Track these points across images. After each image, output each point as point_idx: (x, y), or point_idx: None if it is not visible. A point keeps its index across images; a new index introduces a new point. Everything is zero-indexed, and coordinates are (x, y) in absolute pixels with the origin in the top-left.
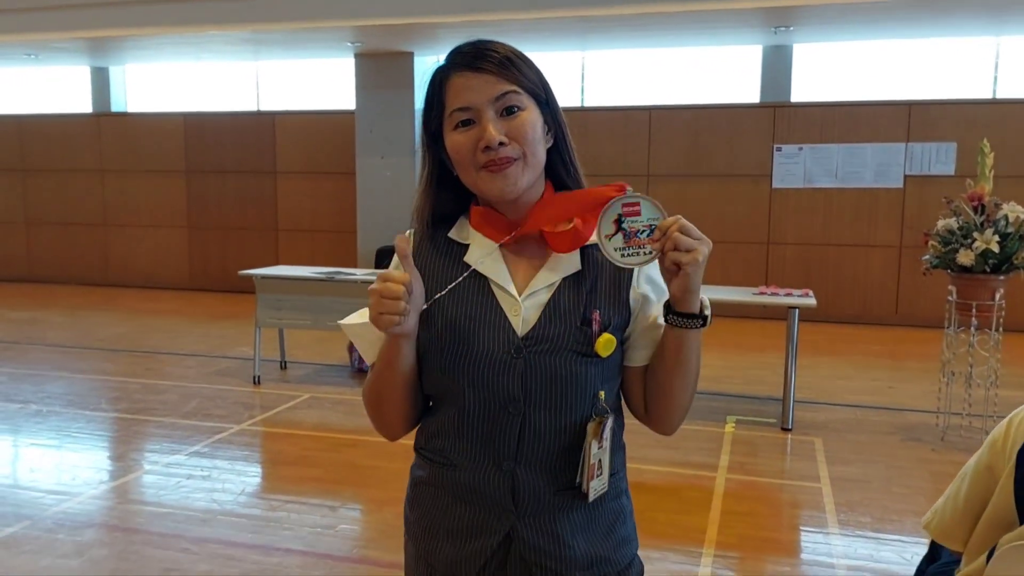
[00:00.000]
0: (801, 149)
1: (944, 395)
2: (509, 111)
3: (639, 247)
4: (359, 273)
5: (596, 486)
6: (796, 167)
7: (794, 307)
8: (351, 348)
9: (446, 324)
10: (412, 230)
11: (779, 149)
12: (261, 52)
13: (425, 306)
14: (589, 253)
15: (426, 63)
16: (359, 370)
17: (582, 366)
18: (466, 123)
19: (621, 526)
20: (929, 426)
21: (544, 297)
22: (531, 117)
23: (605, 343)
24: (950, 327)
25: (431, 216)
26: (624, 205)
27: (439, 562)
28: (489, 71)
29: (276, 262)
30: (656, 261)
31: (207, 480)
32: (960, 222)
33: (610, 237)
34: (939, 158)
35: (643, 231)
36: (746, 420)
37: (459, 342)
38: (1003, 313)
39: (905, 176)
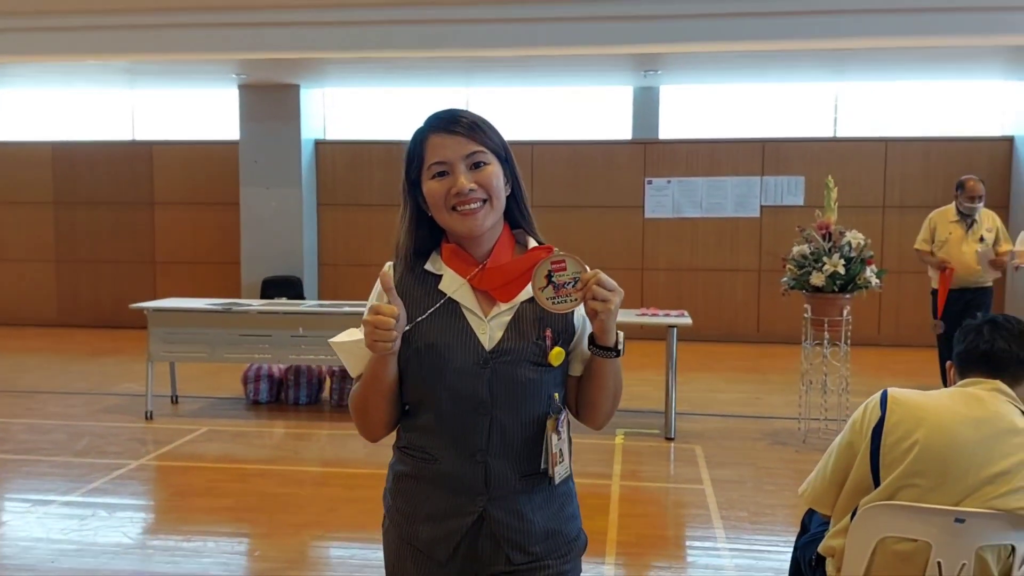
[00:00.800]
0: (670, 182)
1: (803, 403)
2: (477, 165)
3: (566, 296)
4: (256, 304)
5: (560, 471)
6: (666, 198)
7: (673, 326)
8: (245, 380)
9: (425, 342)
10: (391, 263)
11: (650, 182)
12: (138, 81)
13: (407, 327)
14: None
15: (312, 95)
16: (254, 402)
17: (538, 374)
18: (441, 174)
19: (569, 504)
20: (792, 431)
21: (506, 318)
22: (495, 170)
23: (556, 355)
24: (806, 341)
25: (412, 252)
26: (553, 263)
27: (420, 542)
28: (461, 134)
29: (154, 295)
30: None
31: (112, 516)
32: (811, 248)
33: (543, 289)
34: (790, 190)
35: (569, 283)
36: (633, 432)
37: (437, 356)
38: (850, 328)
39: (761, 206)
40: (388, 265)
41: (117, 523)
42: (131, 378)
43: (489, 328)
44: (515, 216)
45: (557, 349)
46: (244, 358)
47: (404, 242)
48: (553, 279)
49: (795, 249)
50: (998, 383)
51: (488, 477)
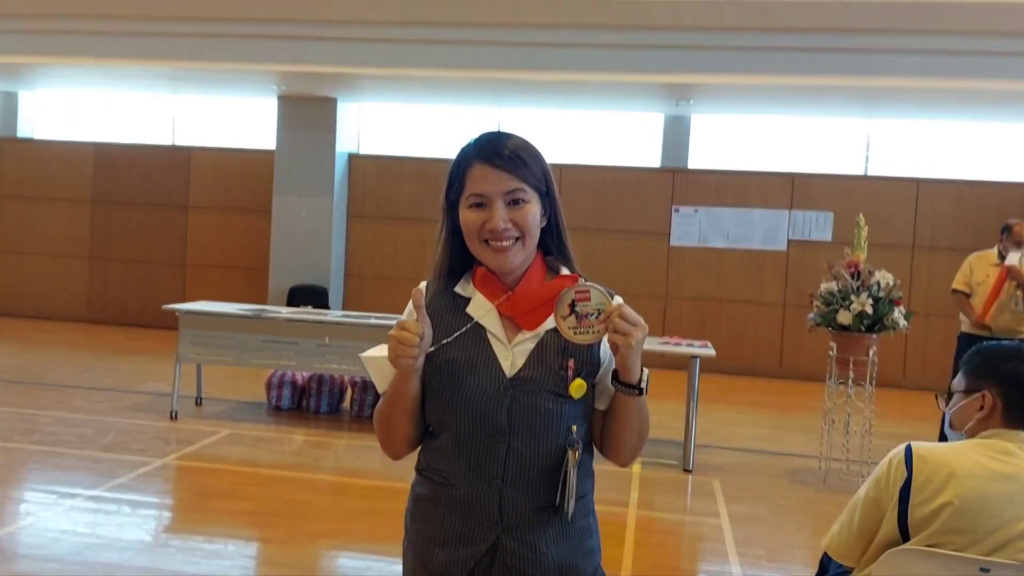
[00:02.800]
0: (697, 211)
1: (825, 442)
2: (515, 202)
3: (589, 327)
4: (284, 312)
5: (575, 506)
6: (692, 227)
7: (695, 356)
8: (268, 386)
9: (448, 364)
10: (427, 282)
11: (677, 210)
12: (180, 87)
13: (432, 349)
14: None
15: (348, 109)
16: (276, 408)
17: (557, 404)
18: (479, 205)
19: (588, 540)
20: (812, 470)
21: (530, 346)
22: (533, 209)
23: (577, 387)
24: (831, 380)
25: (447, 269)
26: (577, 292)
27: (435, 565)
28: (503, 168)
29: (183, 297)
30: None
31: (136, 513)
32: (840, 286)
33: (565, 318)
34: (818, 225)
35: (592, 314)
36: (651, 462)
37: (458, 379)
38: (876, 368)
39: (788, 240)
40: (423, 284)
41: (140, 520)
42: (157, 377)
43: (512, 355)
44: (549, 245)
45: (579, 381)
46: (269, 364)
47: (440, 259)
48: (576, 309)
49: (823, 286)
50: (1021, 433)
51: (503, 505)
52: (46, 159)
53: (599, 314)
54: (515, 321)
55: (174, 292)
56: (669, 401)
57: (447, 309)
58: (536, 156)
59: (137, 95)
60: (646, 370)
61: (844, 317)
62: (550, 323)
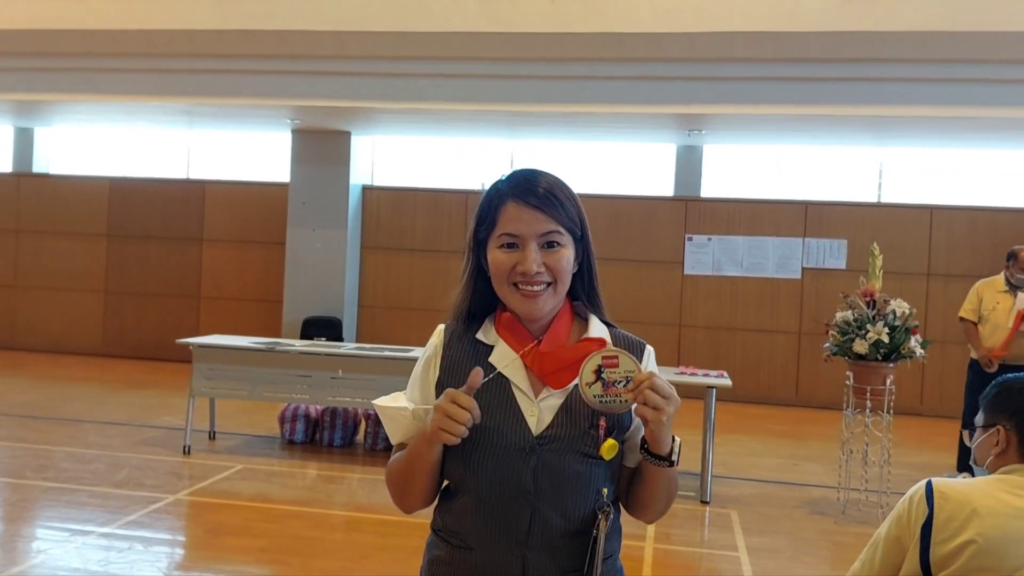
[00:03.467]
0: (710, 240)
1: (843, 472)
2: (550, 244)
3: (615, 396)
4: (298, 344)
5: (604, 571)
6: (706, 256)
7: (712, 387)
8: (282, 419)
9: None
10: (444, 325)
11: (690, 239)
12: (196, 122)
13: (425, 407)
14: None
15: (362, 142)
16: (289, 442)
17: (587, 466)
18: (511, 246)
19: None
20: (831, 500)
21: (557, 401)
22: (567, 253)
23: (609, 448)
24: (848, 409)
25: (468, 311)
26: (604, 357)
27: None
28: (538, 208)
29: (197, 329)
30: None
31: (148, 550)
32: (855, 315)
33: (590, 385)
34: (832, 253)
35: (620, 381)
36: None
37: (481, 436)
38: (893, 397)
39: (803, 268)
40: (440, 327)
41: (153, 558)
42: (170, 411)
43: (539, 410)
44: (578, 293)
45: (610, 441)
46: (283, 397)
47: (461, 299)
48: (603, 375)
49: (838, 315)
50: None
51: (526, 572)
52: (62, 194)
53: (627, 382)
54: (541, 377)
55: (188, 325)
56: (685, 431)
57: (467, 357)
58: (572, 197)
59: (152, 130)
60: (678, 439)
61: (860, 346)
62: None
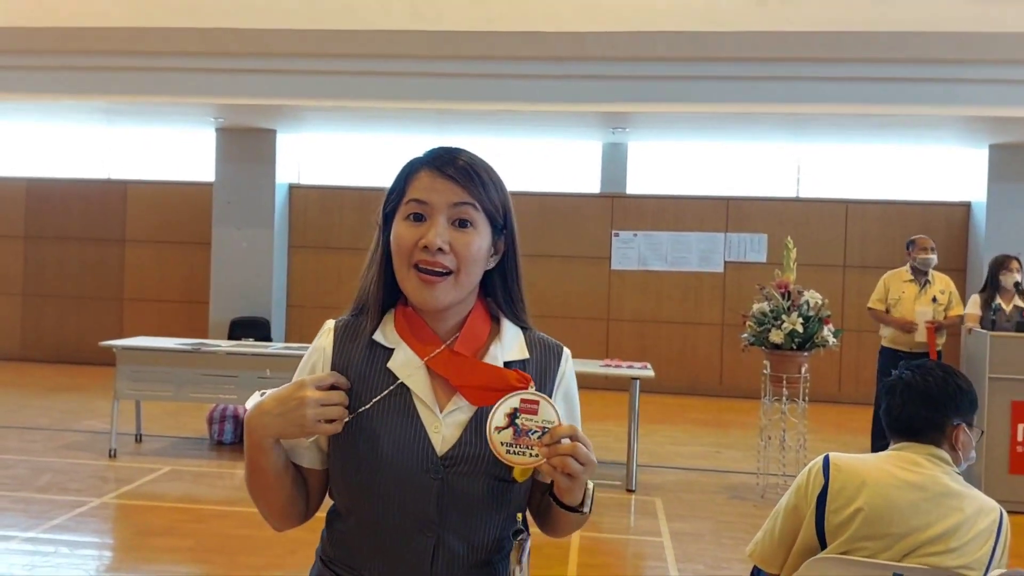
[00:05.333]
0: (636, 235)
1: (762, 458)
2: (461, 224)
3: (527, 447)
4: (225, 345)
5: None
6: (632, 251)
7: (635, 378)
8: (210, 420)
9: (365, 438)
10: (334, 321)
11: (617, 235)
12: (116, 120)
13: (348, 418)
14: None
15: (287, 140)
16: (218, 442)
17: (499, 490)
18: (418, 217)
19: None
20: (750, 485)
21: (465, 416)
22: (477, 238)
23: (523, 470)
24: (765, 397)
25: (380, 302)
26: (523, 401)
27: None
28: (455, 179)
29: (120, 331)
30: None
31: (74, 554)
32: (771, 306)
33: (499, 430)
34: (753, 247)
35: (535, 432)
36: (594, 483)
37: (376, 457)
38: (808, 385)
39: (725, 262)
40: (329, 323)
41: (79, 560)
42: (94, 415)
43: (443, 426)
44: (497, 295)
45: None
46: (210, 398)
47: (367, 289)
48: (517, 421)
49: (755, 307)
50: (931, 447)
51: None
52: None
53: (543, 432)
54: (449, 382)
55: (111, 328)
56: (611, 422)
57: (363, 363)
58: (496, 181)
59: (71, 129)
60: (591, 485)
61: (776, 336)
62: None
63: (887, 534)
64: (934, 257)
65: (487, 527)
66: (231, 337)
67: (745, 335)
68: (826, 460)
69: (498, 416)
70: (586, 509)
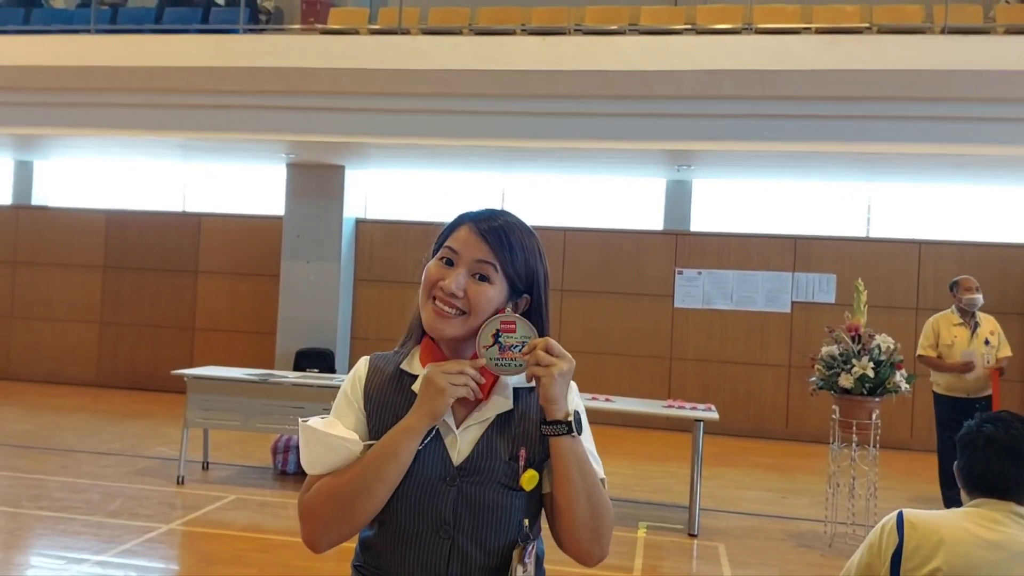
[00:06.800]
0: (700, 273)
1: (830, 505)
2: (481, 277)
3: (511, 359)
4: (291, 376)
5: None
6: (696, 289)
7: (699, 420)
8: (275, 450)
9: None
10: (370, 356)
11: (680, 272)
12: (192, 156)
13: (371, 442)
14: (521, 395)
15: (355, 175)
16: (282, 472)
17: (508, 498)
18: (449, 262)
19: None
20: (818, 533)
21: (477, 432)
22: (491, 293)
23: (529, 478)
24: (834, 443)
25: (420, 331)
26: (502, 323)
27: None
28: (485, 239)
29: (191, 361)
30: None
31: None
32: (840, 349)
33: (487, 348)
34: (821, 287)
35: (516, 346)
36: (655, 526)
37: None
38: (879, 431)
39: (792, 302)
40: (364, 360)
41: None
42: (163, 441)
43: (459, 440)
44: None
45: (530, 472)
46: (276, 428)
47: (413, 322)
48: (500, 340)
49: (824, 349)
50: (1010, 504)
51: None
52: (59, 226)
53: (523, 346)
54: (463, 403)
55: (183, 356)
56: (674, 464)
57: (391, 387)
58: (526, 248)
59: (149, 163)
60: (579, 410)
61: (846, 380)
62: (500, 405)
63: None
64: (980, 297)
65: (497, 533)
66: (296, 368)
67: (813, 379)
68: (900, 517)
69: (484, 336)
70: (572, 420)
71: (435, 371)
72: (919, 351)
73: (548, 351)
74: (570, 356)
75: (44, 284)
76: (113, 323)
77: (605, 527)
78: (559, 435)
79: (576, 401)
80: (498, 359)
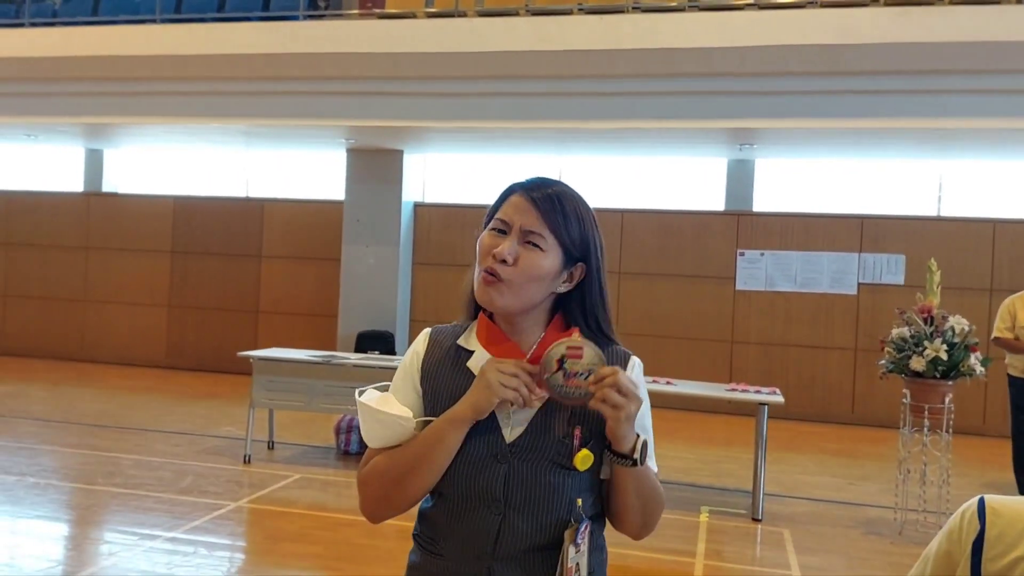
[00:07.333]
0: (763, 255)
1: (900, 492)
2: (531, 244)
3: (576, 387)
4: (353, 358)
5: None
6: (758, 271)
7: (764, 404)
8: (337, 430)
9: None
10: (431, 329)
11: (742, 254)
12: (254, 143)
13: (423, 419)
14: None
15: (413, 160)
16: (345, 452)
17: (560, 477)
18: (501, 232)
19: None
20: (887, 520)
21: (532, 410)
22: (541, 261)
23: (583, 458)
24: (905, 428)
25: (472, 305)
26: (568, 347)
27: None
28: (535, 204)
29: (255, 343)
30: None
31: (212, 555)
32: (912, 331)
33: (551, 373)
34: (889, 269)
35: (582, 374)
36: (718, 510)
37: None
38: (952, 416)
39: (859, 284)
40: (426, 331)
41: (216, 562)
42: (230, 422)
43: (512, 418)
44: (576, 317)
45: (584, 452)
46: (339, 409)
47: (466, 294)
48: (565, 366)
49: (895, 332)
50: None
51: None
52: (129, 212)
53: (590, 375)
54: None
55: (247, 338)
56: (737, 448)
57: (448, 363)
58: (581, 217)
59: (214, 150)
60: (644, 437)
61: (917, 363)
62: None
63: None
64: None
65: (549, 511)
66: (358, 350)
67: (883, 361)
68: (981, 503)
69: (549, 362)
70: (637, 456)
71: (490, 366)
72: (995, 333)
73: (617, 387)
74: (638, 394)
75: (115, 269)
76: (180, 306)
77: (655, 519)
78: (622, 465)
79: (642, 396)
80: (562, 386)
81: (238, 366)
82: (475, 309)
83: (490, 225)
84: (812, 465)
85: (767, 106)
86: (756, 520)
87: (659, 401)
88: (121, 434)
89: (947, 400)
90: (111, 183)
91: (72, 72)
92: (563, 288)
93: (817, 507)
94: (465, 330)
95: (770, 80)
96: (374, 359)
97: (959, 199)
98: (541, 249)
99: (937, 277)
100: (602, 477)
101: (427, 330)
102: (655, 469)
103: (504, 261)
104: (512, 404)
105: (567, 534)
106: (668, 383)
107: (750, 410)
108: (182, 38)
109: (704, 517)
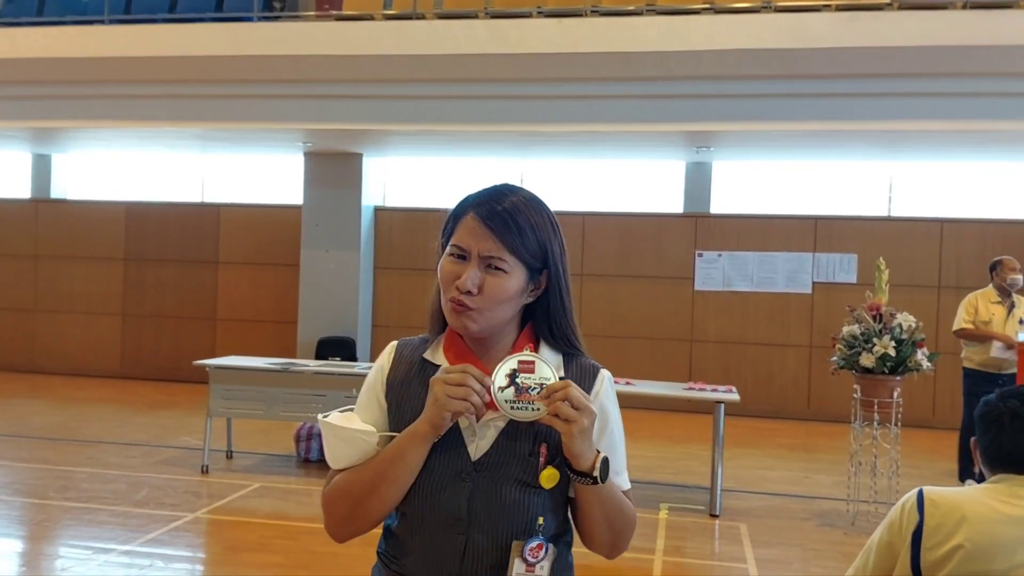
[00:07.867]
0: (720, 255)
1: (852, 484)
2: (492, 268)
3: (528, 402)
4: (312, 365)
5: None
6: (716, 271)
7: (720, 402)
8: (297, 438)
9: None
10: (397, 342)
11: (700, 255)
12: (209, 146)
13: (387, 434)
14: None
15: (373, 163)
16: (305, 460)
17: (525, 495)
18: (461, 257)
19: None
20: (840, 512)
21: (498, 426)
22: (506, 282)
23: (548, 476)
24: (856, 422)
25: (439, 322)
26: (520, 362)
27: None
28: (491, 228)
29: (213, 351)
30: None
31: (168, 567)
32: (862, 328)
33: (503, 389)
34: (842, 267)
35: (534, 388)
36: (677, 507)
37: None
38: (901, 409)
39: (813, 283)
40: (393, 343)
41: (174, 574)
42: (188, 431)
43: (478, 434)
44: (537, 320)
45: (550, 470)
46: (299, 416)
47: (433, 309)
48: (517, 380)
49: (845, 329)
50: None
51: None
52: (80, 219)
53: (541, 389)
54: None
55: (205, 346)
56: (695, 446)
57: (413, 377)
58: (536, 225)
59: (167, 155)
60: (603, 454)
61: (867, 360)
62: None
63: (988, 571)
64: (1020, 278)
65: (513, 530)
66: (318, 356)
67: (835, 358)
68: (920, 495)
69: (499, 377)
70: (596, 474)
71: (437, 379)
72: (958, 325)
73: (570, 401)
74: (591, 408)
75: (66, 277)
76: (135, 315)
77: (625, 539)
78: (581, 483)
79: (609, 407)
80: (513, 402)
81: (196, 375)
82: (442, 323)
83: (448, 251)
84: (769, 460)
85: (723, 109)
86: (714, 516)
87: (621, 401)
88: (74, 447)
89: (896, 394)
90: (60, 189)
91: (17, 74)
92: (530, 299)
93: (773, 501)
94: (432, 344)
95: (726, 83)
96: (333, 366)
97: (909, 199)
98: (504, 271)
99: (885, 275)
100: (570, 495)
101: (393, 343)
102: (625, 487)
103: (469, 292)
104: (472, 414)
105: (513, 547)
106: (628, 383)
107: (708, 408)
108: (132, 39)
109: (664, 514)
